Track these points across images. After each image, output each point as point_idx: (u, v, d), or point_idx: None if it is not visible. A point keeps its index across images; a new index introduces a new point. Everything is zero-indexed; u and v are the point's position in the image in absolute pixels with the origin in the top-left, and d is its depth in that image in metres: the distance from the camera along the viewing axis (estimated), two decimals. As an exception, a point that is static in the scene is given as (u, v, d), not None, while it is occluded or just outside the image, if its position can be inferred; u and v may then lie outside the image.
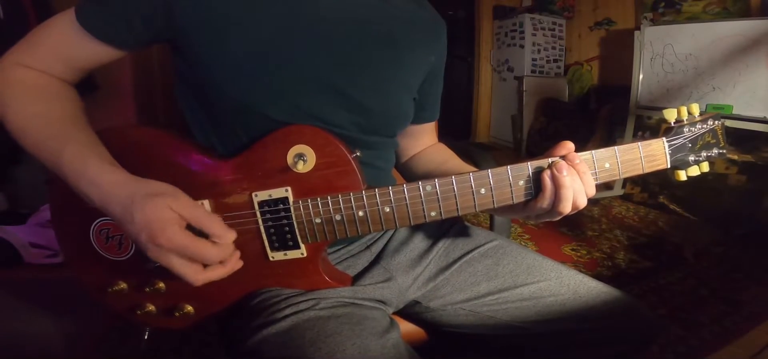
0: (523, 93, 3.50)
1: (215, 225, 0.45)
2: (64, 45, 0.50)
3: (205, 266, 0.45)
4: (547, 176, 0.47)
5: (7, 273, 0.88)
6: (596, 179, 0.49)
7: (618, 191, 2.53)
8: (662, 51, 2.23)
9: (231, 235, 0.46)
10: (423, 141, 0.73)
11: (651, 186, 2.43)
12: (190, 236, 0.43)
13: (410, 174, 0.73)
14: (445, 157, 0.70)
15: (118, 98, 1.13)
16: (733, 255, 1.75)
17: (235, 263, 0.49)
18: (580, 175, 0.47)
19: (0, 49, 0.51)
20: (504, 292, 0.59)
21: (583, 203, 0.47)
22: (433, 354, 0.67)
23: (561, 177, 0.45)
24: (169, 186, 0.45)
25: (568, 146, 0.48)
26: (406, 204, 0.49)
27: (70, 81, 0.53)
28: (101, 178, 0.44)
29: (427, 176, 0.49)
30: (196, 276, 0.44)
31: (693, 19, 2.59)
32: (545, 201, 0.47)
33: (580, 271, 0.62)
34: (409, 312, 0.64)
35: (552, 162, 0.47)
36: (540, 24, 3.56)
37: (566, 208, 0.47)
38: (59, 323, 0.86)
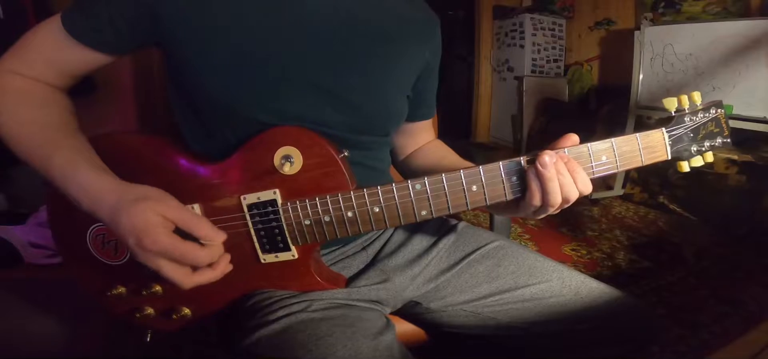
0: (523, 93, 3.49)
1: (203, 227, 0.45)
2: (52, 51, 0.50)
3: (195, 269, 0.45)
4: (531, 173, 0.46)
5: (7, 273, 0.89)
6: (593, 173, 0.48)
7: (618, 191, 2.52)
8: (662, 51, 2.22)
9: (220, 236, 0.46)
10: (420, 138, 0.73)
11: (651, 186, 2.42)
12: (176, 238, 0.43)
13: (408, 172, 0.73)
14: (443, 153, 0.70)
15: (117, 99, 1.14)
16: (733, 255, 1.74)
17: (224, 266, 0.48)
18: (569, 169, 0.46)
19: (0, 49, 0.51)
20: (505, 293, 0.59)
21: (573, 196, 0.46)
22: (433, 355, 0.67)
23: (545, 172, 0.45)
24: (157, 190, 0.45)
25: (573, 138, 0.47)
26: (396, 203, 0.48)
27: (61, 87, 0.53)
28: (90, 183, 0.44)
29: (424, 174, 0.49)
30: (185, 279, 0.44)
31: (693, 19, 2.57)
32: (535, 198, 0.46)
33: (581, 271, 0.62)
34: (410, 313, 0.64)
35: (535, 155, 0.45)
36: (540, 24, 3.54)
37: (556, 200, 0.46)
38: (59, 323, 0.87)
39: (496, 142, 4.08)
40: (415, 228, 0.66)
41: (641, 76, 2.34)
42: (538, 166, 0.45)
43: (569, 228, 2.03)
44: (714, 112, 0.50)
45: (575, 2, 3.59)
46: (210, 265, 0.47)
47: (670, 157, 0.49)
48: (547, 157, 0.45)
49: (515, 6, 3.86)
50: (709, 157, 0.51)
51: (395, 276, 0.60)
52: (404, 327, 0.65)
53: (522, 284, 0.59)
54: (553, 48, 3.64)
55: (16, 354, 0.85)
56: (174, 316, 0.56)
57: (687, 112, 0.49)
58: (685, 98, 0.49)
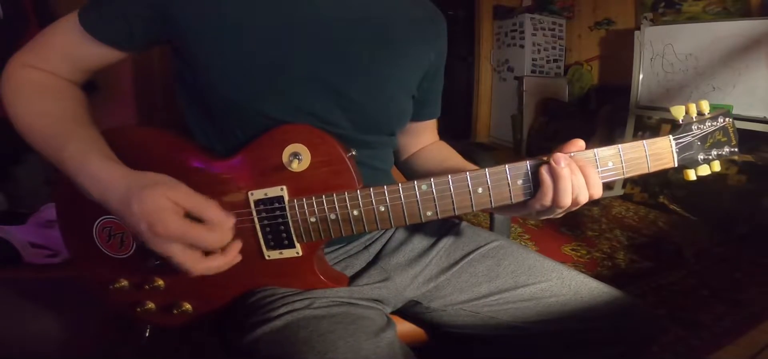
0: (523, 93, 3.50)
1: (213, 210, 0.45)
2: (68, 47, 0.52)
3: (206, 255, 0.46)
4: (544, 170, 0.46)
5: (7, 273, 0.89)
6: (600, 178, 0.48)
7: (618, 191, 2.53)
8: (662, 51, 2.23)
9: (229, 220, 0.46)
10: (423, 138, 0.73)
11: (651, 186, 2.43)
12: (187, 222, 0.43)
13: (410, 172, 0.73)
14: (446, 154, 0.70)
15: (118, 98, 1.14)
16: (733, 255, 1.74)
17: (235, 252, 0.49)
18: (582, 169, 0.46)
19: (0, 49, 0.52)
20: (505, 293, 0.59)
21: (583, 198, 0.46)
22: (433, 355, 0.67)
23: (559, 169, 0.45)
24: (166, 176, 0.46)
25: (579, 144, 0.47)
26: (402, 203, 0.49)
27: (75, 81, 0.55)
28: (101, 172, 0.45)
29: (427, 174, 0.49)
30: (196, 264, 0.45)
31: (693, 19, 2.57)
32: (546, 197, 0.46)
33: (581, 271, 0.62)
34: (410, 312, 0.64)
35: (547, 156, 0.46)
36: (540, 24, 3.55)
37: (566, 201, 0.46)
38: (59, 323, 0.87)
39: (496, 142, 4.08)
40: (415, 227, 0.66)
41: (641, 76, 2.35)
42: (553, 163, 0.45)
43: (569, 228, 2.04)
44: (722, 120, 0.50)
45: (575, 2, 3.59)
46: (221, 251, 0.47)
47: (676, 165, 0.49)
48: (562, 155, 0.45)
49: (515, 6, 3.87)
50: (716, 165, 0.50)
51: (396, 275, 0.60)
52: (404, 327, 0.65)
53: (521, 283, 0.59)
54: (553, 48, 3.64)
55: (16, 354, 0.85)
56: (175, 311, 0.56)
57: (694, 120, 0.49)
58: (693, 106, 0.49)
